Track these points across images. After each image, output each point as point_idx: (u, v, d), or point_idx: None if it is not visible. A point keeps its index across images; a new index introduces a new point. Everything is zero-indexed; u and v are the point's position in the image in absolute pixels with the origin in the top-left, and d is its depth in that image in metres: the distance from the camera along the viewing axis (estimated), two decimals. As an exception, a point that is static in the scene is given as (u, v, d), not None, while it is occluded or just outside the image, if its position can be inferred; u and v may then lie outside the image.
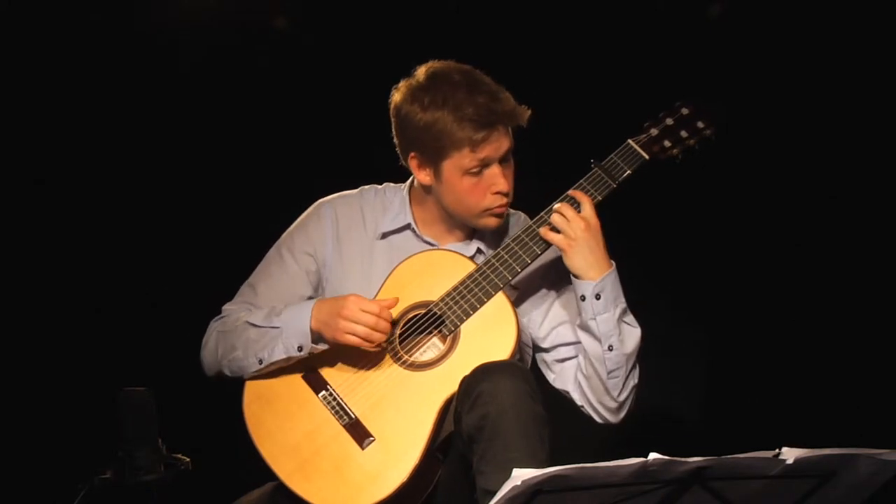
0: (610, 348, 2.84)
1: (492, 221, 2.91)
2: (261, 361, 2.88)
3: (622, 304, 2.85)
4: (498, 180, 2.86)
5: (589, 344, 2.86)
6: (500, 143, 2.84)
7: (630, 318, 2.88)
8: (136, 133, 3.99)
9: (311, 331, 2.84)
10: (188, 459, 2.76)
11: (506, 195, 2.88)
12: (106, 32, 3.91)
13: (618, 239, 2.92)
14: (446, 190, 2.89)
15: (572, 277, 2.84)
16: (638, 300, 2.93)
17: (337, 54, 4.03)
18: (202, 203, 4.01)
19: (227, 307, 3.02)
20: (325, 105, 4.03)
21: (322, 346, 2.85)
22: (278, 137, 4.04)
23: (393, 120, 2.93)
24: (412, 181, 3.01)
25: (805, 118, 3.88)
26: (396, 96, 2.91)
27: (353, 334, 2.79)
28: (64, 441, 3.83)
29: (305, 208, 3.08)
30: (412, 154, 2.90)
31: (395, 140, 2.94)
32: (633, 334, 2.87)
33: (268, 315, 2.89)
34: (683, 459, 2.14)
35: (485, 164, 2.84)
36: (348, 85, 3.98)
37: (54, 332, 3.93)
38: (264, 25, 4.03)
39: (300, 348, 2.85)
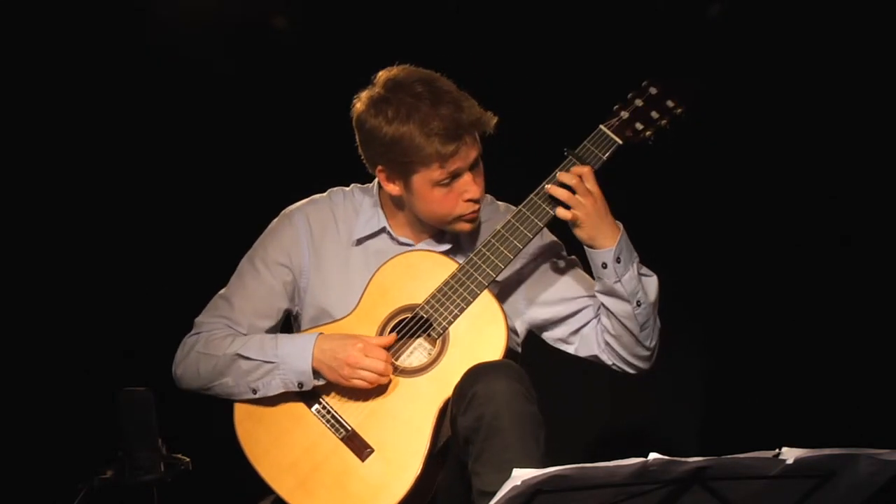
0: (638, 304, 2.85)
1: (465, 227, 2.89)
2: (255, 391, 2.86)
3: (636, 257, 2.86)
4: (469, 188, 2.83)
5: (617, 306, 2.86)
6: (469, 153, 2.81)
7: (645, 269, 2.89)
8: (137, 134, 3.98)
9: (313, 370, 2.82)
10: (188, 459, 2.76)
11: (477, 201, 2.86)
12: (104, 32, 3.91)
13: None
14: (417, 201, 2.86)
15: (587, 249, 2.84)
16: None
17: (325, 57, 4.03)
18: (202, 204, 4.01)
19: (200, 321, 2.98)
20: (321, 105, 4.03)
21: (322, 381, 2.84)
22: (277, 138, 4.04)
23: (356, 132, 2.88)
24: (379, 182, 2.97)
25: (803, 113, 3.87)
26: (358, 106, 2.86)
27: (361, 380, 2.78)
28: (64, 441, 3.83)
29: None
30: (380, 167, 2.87)
31: (361, 151, 2.90)
32: (652, 283, 2.89)
33: (261, 347, 2.86)
34: (683, 459, 2.14)
35: (455, 175, 2.82)
36: (346, 85, 3.97)
37: (54, 333, 3.93)
38: (263, 26, 4.03)
39: (301, 385, 2.84)
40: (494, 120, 2.82)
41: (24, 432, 3.87)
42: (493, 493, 2.18)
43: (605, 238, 2.81)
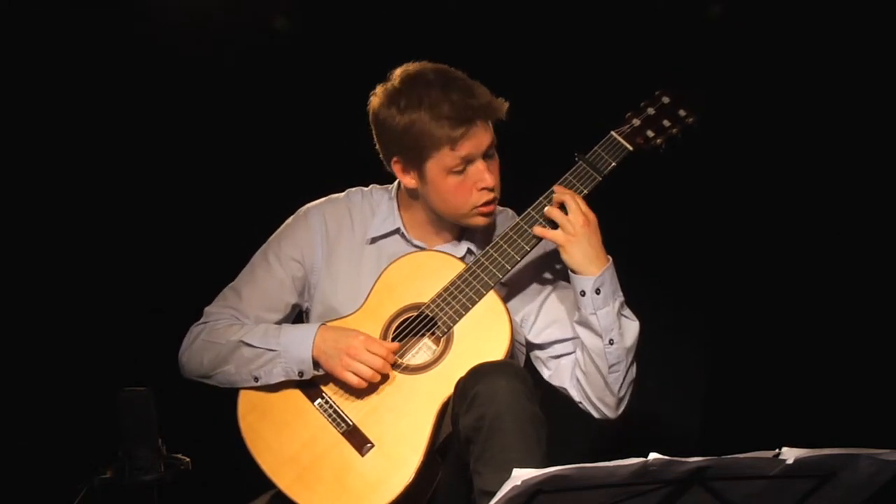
0: (611, 342, 2.84)
1: (480, 220, 2.89)
2: (256, 379, 2.88)
3: (620, 297, 2.85)
4: (483, 176, 2.84)
5: (589, 339, 2.85)
6: (481, 139, 2.82)
7: (628, 311, 2.88)
8: (137, 134, 3.99)
9: (313, 359, 2.83)
10: (188, 459, 2.76)
11: (492, 190, 2.86)
12: (103, 33, 3.91)
13: (618, 238, 2.92)
14: (432, 191, 2.87)
15: (570, 273, 2.84)
16: (639, 299, 2.93)
17: (327, 55, 4.03)
18: (202, 204, 4.01)
19: (209, 310, 3.01)
20: (320, 105, 4.03)
21: (321, 372, 2.85)
22: (277, 139, 4.04)
23: (372, 126, 2.91)
24: (399, 184, 2.99)
25: (804, 109, 3.87)
26: (374, 102, 2.89)
27: (357, 374, 2.79)
28: (64, 441, 3.83)
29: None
30: (395, 159, 2.89)
31: (377, 146, 2.92)
32: (632, 327, 2.87)
33: (264, 335, 2.88)
34: (683, 459, 2.14)
35: (468, 161, 2.83)
36: (342, 86, 3.97)
37: (54, 333, 3.93)
38: (264, 26, 4.03)
39: (301, 374, 2.85)
40: (506, 106, 2.83)
41: (24, 432, 3.87)
42: (495, 493, 2.19)
43: (590, 265, 2.81)
